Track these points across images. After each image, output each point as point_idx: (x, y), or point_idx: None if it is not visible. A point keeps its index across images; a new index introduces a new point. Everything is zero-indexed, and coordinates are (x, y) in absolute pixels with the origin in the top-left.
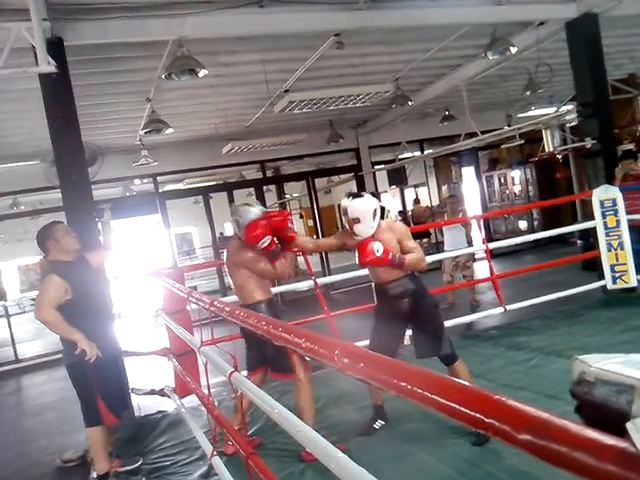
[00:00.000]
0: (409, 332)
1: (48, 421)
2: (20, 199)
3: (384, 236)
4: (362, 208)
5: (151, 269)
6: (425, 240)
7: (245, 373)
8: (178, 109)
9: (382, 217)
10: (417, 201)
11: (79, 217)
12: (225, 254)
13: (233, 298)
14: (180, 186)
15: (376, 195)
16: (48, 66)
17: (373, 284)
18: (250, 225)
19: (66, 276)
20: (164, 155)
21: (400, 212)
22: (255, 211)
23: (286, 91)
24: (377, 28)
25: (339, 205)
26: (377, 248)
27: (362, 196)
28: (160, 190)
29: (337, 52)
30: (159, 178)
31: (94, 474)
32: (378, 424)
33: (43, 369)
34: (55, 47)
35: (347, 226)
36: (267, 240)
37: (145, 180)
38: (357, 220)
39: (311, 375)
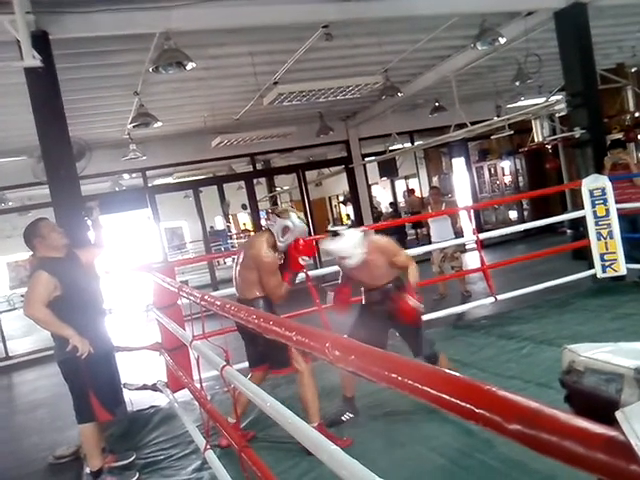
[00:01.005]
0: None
1: (40, 417)
2: (8, 195)
3: (372, 257)
4: (346, 247)
5: (142, 264)
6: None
7: (237, 367)
8: (166, 102)
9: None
10: (412, 191)
11: (68, 212)
12: (247, 243)
13: (224, 292)
14: (170, 180)
15: (354, 224)
16: (33, 60)
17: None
18: (306, 240)
19: (55, 272)
20: (153, 149)
21: (391, 204)
22: (302, 224)
23: (275, 83)
24: (366, 19)
25: (330, 198)
26: (414, 304)
27: (341, 234)
28: (149, 184)
29: (326, 44)
30: (148, 172)
31: (87, 470)
32: (346, 416)
33: (34, 365)
34: (40, 41)
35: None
36: (308, 260)
37: (134, 174)
38: (345, 257)
39: (312, 366)
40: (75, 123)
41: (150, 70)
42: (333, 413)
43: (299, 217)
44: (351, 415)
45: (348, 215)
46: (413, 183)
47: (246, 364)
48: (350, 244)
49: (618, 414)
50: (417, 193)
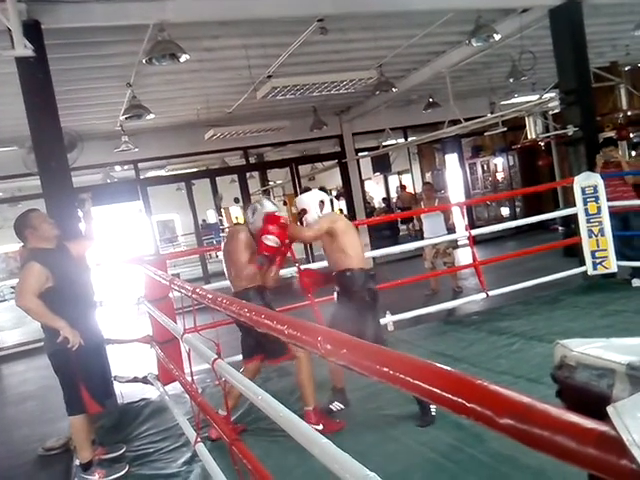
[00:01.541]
0: (392, 318)
1: (30, 409)
2: None
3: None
4: (307, 200)
5: (133, 256)
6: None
7: (228, 360)
8: (159, 94)
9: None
10: (403, 187)
11: (59, 204)
12: (226, 238)
13: (215, 285)
14: (162, 173)
15: (325, 190)
16: (25, 49)
17: None
18: (270, 218)
19: (47, 263)
20: (145, 141)
21: (384, 199)
22: (274, 206)
23: (269, 77)
24: (361, 14)
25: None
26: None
27: (309, 190)
28: (141, 177)
29: (321, 38)
30: (140, 164)
31: (77, 462)
32: (335, 406)
33: (24, 357)
34: (32, 30)
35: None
36: (275, 241)
37: (126, 167)
38: (304, 211)
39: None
40: (67, 114)
41: (143, 62)
42: (323, 403)
43: (273, 202)
44: (341, 406)
45: (341, 210)
46: (406, 179)
47: (238, 357)
48: (311, 197)
49: (609, 409)
50: (410, 189)
